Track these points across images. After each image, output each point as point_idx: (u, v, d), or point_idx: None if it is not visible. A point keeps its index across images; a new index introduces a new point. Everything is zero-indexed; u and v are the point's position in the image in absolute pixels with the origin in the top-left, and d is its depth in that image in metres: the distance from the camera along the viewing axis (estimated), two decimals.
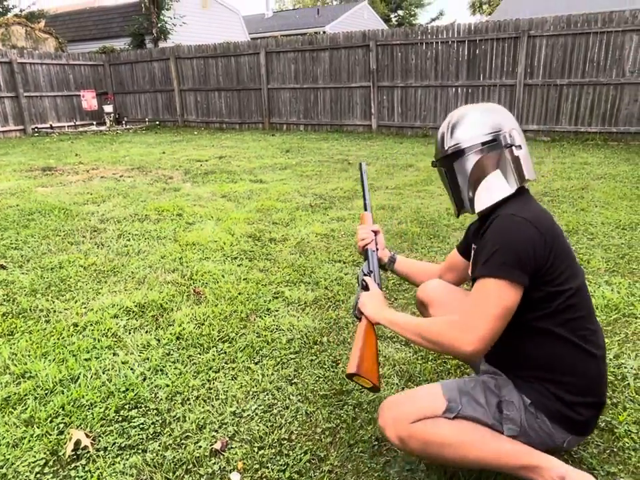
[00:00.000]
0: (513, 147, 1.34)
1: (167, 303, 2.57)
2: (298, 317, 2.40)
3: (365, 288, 1.56)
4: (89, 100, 12.78)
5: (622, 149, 7.44)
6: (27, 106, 11.79)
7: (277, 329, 2.29)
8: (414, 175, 5.80)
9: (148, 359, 2.06)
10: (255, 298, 2.61)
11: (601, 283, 2.72)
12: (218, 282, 2.83)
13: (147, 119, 13.16)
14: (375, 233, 1.74)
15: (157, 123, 12.99)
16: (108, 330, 2.31)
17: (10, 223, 4.05)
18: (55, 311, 2.51)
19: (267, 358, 2.05)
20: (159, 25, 13.74)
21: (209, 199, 4.86)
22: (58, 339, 2.23)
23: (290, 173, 6.11)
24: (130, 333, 2.28)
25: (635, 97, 7.77)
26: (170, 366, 2.00)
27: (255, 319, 2.39)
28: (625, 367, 1.94)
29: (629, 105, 7.82)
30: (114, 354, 2.11)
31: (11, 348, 2.15)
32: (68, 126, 12.61)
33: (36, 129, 11.93)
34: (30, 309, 2.53)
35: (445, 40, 8.90)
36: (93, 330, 2.30)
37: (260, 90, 11.22)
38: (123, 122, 13.29)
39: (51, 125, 12.26)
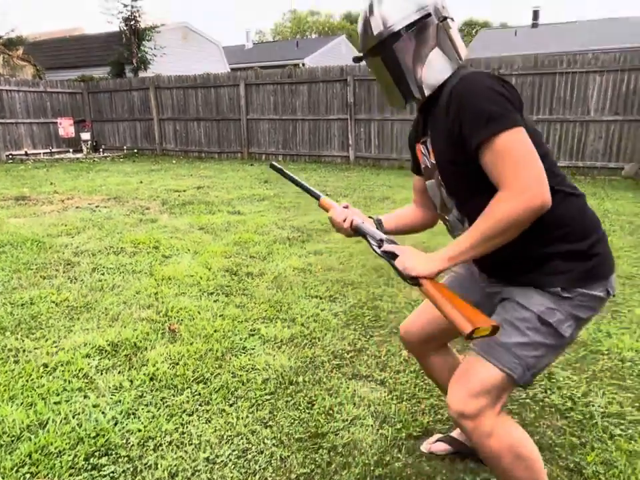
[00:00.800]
0: (448, 20, 1.26)
1: (141, 342, 2.53)
2: (274, 356, 2.39)
3: (393, 255, 1.35)
4: (65, 127, 12.71)
5: (589, 183, 7.74)
6: (1, 133, 11.66)
7: (252, 368, 2.28)
8: (390, 208, 5.91)
9: (120, 401, 2.02)
10: (230, 336, 2.60)
11: None
12: (194, 319, 2.81)
13: (124, 147, 13.13)
14: (346, 208, 1.53)
15: (135, 151, 12.96)
16: (79, 371, 2.26)
17: None
18: (24, 351, 2.45)
19: (242, 399, 2.04)
20: (139, 55, 13.86)
21: (186, 231, 4.85)
22: (27, 380, 2.17)
23: (268, 204, 6.15)
24: (102, 374, 2.24)
25: (599, 134, 8.13)
26: (142, 409, 1.97)
27: (230, 358, 2.37)
28: (593, 405, 1.99)
29: (594, 142, 8.18)
30: (85, 396, 2.06)
31: None
32: (43, 153, 12.48)
33: (10, 156, 11.77)
34: None
35: None
36: (63, 371, 2.25)
37: (239, 120, 11.35)
38: (101, 149, 13.22)
39: (26, 152, 12.12)
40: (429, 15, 1.25)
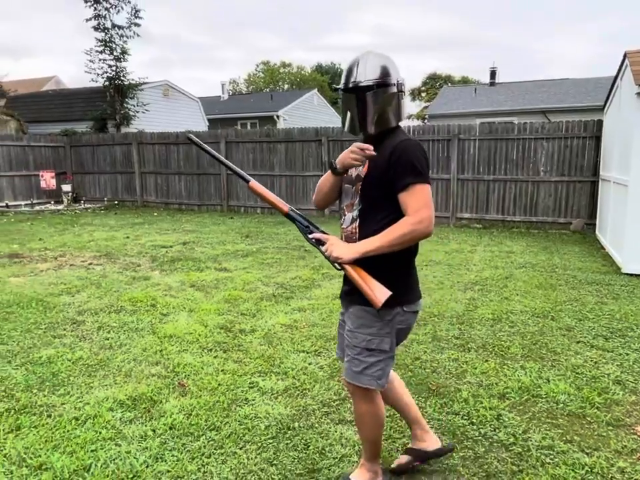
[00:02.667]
0: (402, 92, 1.87)
1: (156, 395, 2.94)
2: (272, 405, 2.84)
3: (320, 243, 1.90)
4: (47, 180, 13.05)
5: (541, 236, 8.56)
6: None
7: (255, 416, 2.72)
8: None
9: (147, 448, 2.43)
10: (233, 388, 3.04)
11: (517, 367, 3.35)
12: (199, 374, 3.24)
13: (105, 199, 13.50)
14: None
15: (116, 202, 13.35)
16: (106, 422, 2.65)
17: None
18: (53, 406, 2.83)
19: (250, 443, 2.48)
20: (122, 112, 14.48)
21: (179, 288, 5.28)
22: (63, 432, 2.55)
23: (252, 260, 6.64)
24: (127, 425, 2.64)
25: (549, 192, 9.06)
26: (168, 454, 2.38)
27: (235, 408, 2.81)
28: (530, 440, 2.51)
29: (545, 199, 9.09)
30: (116, 444, 2.46)
31: (22, 442, 2.45)
32: (24, 204, 12.73)
33: None
34: (30, 405, 2.83)
35: None
36: (93, 423, 2.64)
37: (219, 175, 11.96)
38: (82, 201, 13.55)
39: (6, 204, 12.35)
40: (392, 84, 1.85)
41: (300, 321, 4.28)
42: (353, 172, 1.94)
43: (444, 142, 9.68)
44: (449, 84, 41.23)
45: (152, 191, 13.01)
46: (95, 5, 13.82)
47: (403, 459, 2.25)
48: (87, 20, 14.01)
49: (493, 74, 26.36)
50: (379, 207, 1.83)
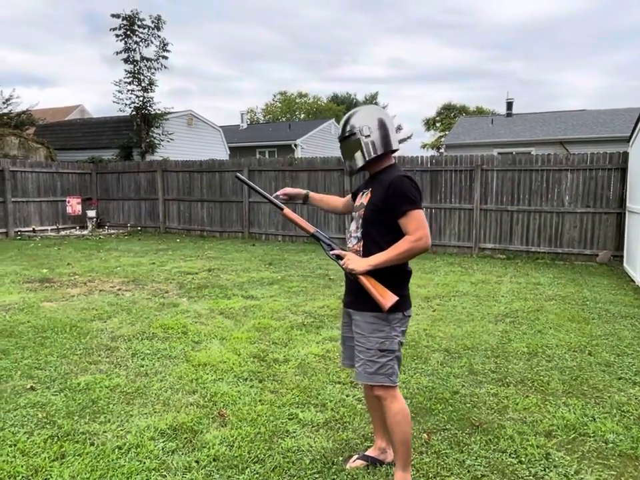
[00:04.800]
0: (364, 137, 2.27)
1: (196, 425, 2.93)
2: (314, 439, 2.81)
3: (339, 258, 2.29)
4: (73, 205, 13.34)
5: (567, 268, 8.46)
6: (12, 210, 12.22)
7: (298, 449, 2.69)
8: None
9: (193, 479, 2.40)
10: (273, 419, 3.01)
11: (560, 404, 3.28)
12: (236, 404, 3.22)
13: (128, 225, 13.73)
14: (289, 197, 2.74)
15: (139, 228, 13.56)
16: (150, 452, 2.64)
17: (26, 341, 4.35)
18: (95, 434, 2.83)
19: (296, 478, 2.44)
20: (148, 140, 14.86)
21: (208, 316, 5.30)
22: (108, 461, 2.55)
23: (278, 288, 6.66)
24: (170, 455, 2.62)
25: (574, 224, 8.99)
26: None
27: (277, 440, 2.78)
28: None
29: (570, 230, 9.02)
30: (162, 475, 2.44)
31: (68, 470, 2.45)
32: (51, 229, 12.99)
33: (19, 232, 12.24)
34: (73, 432, 2.84)
35: (411, 169, 10.17)
36: (136, 452, 2.63)
37: (241, 202, 12.12)
38: (106, 226, 13.79)
39: (33, 229, 12.63)
40: (354, 133, 2.30)
41: (332, 351, 4.25)
42: (358, 201, 2.39)
43: (466, 172, 9.72)
44: (464, 114, 41.65)
45: (174, 217, 13.21)
46: (125, 39, 14.38)
47: (358, 462, 2.54)
48: (117, 53, 14.57)
49: (509, 105, 26.58)
50: (379, 229, 2.21)
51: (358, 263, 2.19)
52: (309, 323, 5.09)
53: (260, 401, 3.28)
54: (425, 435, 2.84)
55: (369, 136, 2.27)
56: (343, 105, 49.28)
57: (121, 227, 13.85)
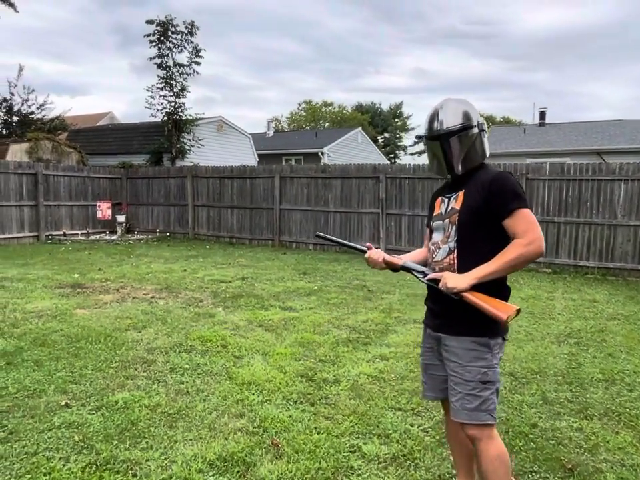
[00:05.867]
0: (483, 132, 2.00)
1: (248, 457, 2.61)
2: (384, 478, 2.45)
3: (436, 282, 1.96)
4: (104, 210, 13.31)
5: (621, 284, 7.91)
6: (44, 214, 12.22)
7: None
8: None
9: None
10: (333, 452, 2.67)
11: None
12: (290, 431, 2.89)
13: (157, 230, 13.62)
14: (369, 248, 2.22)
15: (168, 234, 13.44)
16: None
17: (60, 351, 4.11)
18: (137, 463, 2.53)
19: None
20: (178, 146, 14.80)
21: (247, 328, 5.00)
22: None
23: (316, 300, 6.33)
24: None
25: (627, 237, 8.44)
26: None
27: (342, 479, 2.43)
28: None
29: (623, 244, 8.47)
30: None
31: None
32: (81, 233, 12.97)
33: (50, 236, 12.24)
34: (112, 460, 2.54)
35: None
36: None
37: (272, 210, 11.87)
38: (135, 232, 13.72)
39: (64, 233, 12.61)
40: (473, 126, 1.98)
41: (386, 371, 3.89)
42: (442, 209, 2.06)
43: None
44: (491, 124, 41.02)
45: (204, 223, 13.04)
46: (159, 45, 14.39)
47: None
48: (151, 59, 14.59)
49: (542, 114, 25.90)
50: (477, 236, 1.91)
51: (459, 280, 1.86)
52: (355, 338, 4.74)
53: (315, 428, 2.94)
54: (512, 479, 2.45)
55: (484, 131, 2.00)
56: (367, 114, 49.06)
57: (150, 232, 13.75)
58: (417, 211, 10.16)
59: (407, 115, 51.56)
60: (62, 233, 12.61)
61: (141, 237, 13.28)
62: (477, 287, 1.85)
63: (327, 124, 50.09)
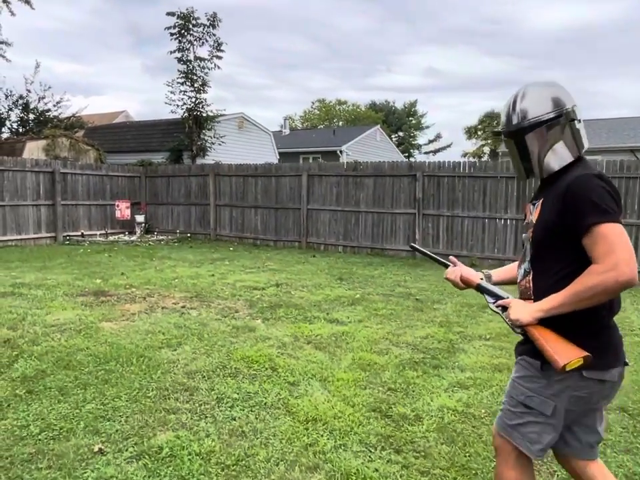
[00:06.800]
0: (575, 121, 1.60)
1: None
2: None
3: (505, 309, 1.69)
4: (122, 210, 12.82)
5: None
6: (61, 214, 11.76)
7: None
8: (499, 319, 5.42)
9: None
10: None
11: None
12: None
13: (178, 231, 13.11)
14: (454, 263, 1.98)
15: (188, 235, 12.91)
16: None
17: (87, 376, 3.54)
18: None
19: None
20: (199, 143, 14.26)
21: (294, 345, 4.41)
22: None
23: (362, 310, 5.71)
24: None
25: None
26: None
27: None
28: None
29: None
30: None
31: None
32: (99, 234, 12.50)
33: (67, 237, 11.77)
34: None
35: (494, 175, 9.09)
36: None
37: (299, 210, 11.28)
38: (155, 232, 13.22)
39: (82, 233, 12.15)
40: (560, 115, 1.60)
41: (472, 405, 3.27)
42: (528, 218, 1.75)
43: None
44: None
45: (226, 224, 12.49)
46: (179, 38, 13.86)
47: None
48: (171, 52, 14.06)
49: None
50: (553, 256, 1.60)
51: (523, 311, 1.61)
52: (420, 359, 4.12)
53: None
54: None
55: (579, 121, 1.63)
56: (381, 112, 48.38)
57: (170, 233, 13.24)
58: (456, 211, 9.50)
59: (422, 114, 50.68)
60: (80, 233, 12.15)
61: (161, 237, 12.76)
62: (561, 322, 1.55)
63: (340, 122, 49.45)
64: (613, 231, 1.45)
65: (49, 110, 17.99)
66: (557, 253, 1.59)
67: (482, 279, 1.88)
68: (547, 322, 1.57)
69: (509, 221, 9.01)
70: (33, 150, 13.51)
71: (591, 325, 1.57)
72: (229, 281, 7.19)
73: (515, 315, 1.61)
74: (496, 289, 1.80)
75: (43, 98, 17.89)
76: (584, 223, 1.47)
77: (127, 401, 3.20)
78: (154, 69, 64.59)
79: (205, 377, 3.64)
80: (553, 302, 1.54)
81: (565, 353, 1.51)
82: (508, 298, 1.72)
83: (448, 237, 9.63)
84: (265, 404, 3.22)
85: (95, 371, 3.63)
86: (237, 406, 3.18)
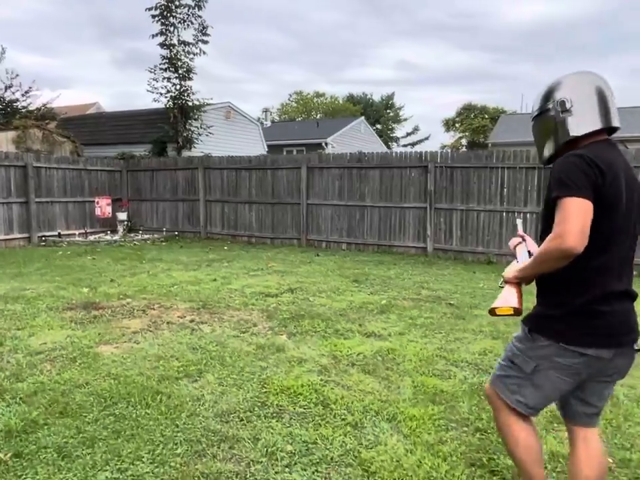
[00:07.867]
0: (566, 112, 1.73)
1: None
2: None
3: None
4: (103, 207, 11.82)
5: None
6: (35, 212, 10.70)
7: None
8: None
9: None
10: None
11: None
12: None
13: (164, 229, 12.16)
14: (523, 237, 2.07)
15: (176, 233, 11.99)
16: None
17: (93, 425, 2.74)
18: None
19: None
20: (185, 134, 13.29)
21: (337, 369, 3.68)
22: None
23: (397, 320, 5.02)
24: None
25: None
26: None
27: None
28: None
29: None
30: None
31: None
32: (78, 234, 11.47)
33: (43, 237, 10.73)
34: None
35: (512, 166, 8.49)
36: None
37: (298, 205, 10.50)
38: (139, 231, 12.25)
39: (59, 234, 11.11)
40: (549, 108, 1.78)
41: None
42: None
43: None
44: (485, 115, 40.08)
45: (217, 221, 11.62)
46: (162, 20, 12.81)
47: None
48: (153, 36, 12.99)
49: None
50: (549, 230, 1.66)
51: (509, 270, 1.90)
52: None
53: None
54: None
55: (567, 111, 1.72)
56: (359, 105, 47.83)
57: (156, 231, 12.27)
58: (471, 205, 8.88)
59: (399, 106, 50.24)
60: (57, 233, 11.10)
61: (146, 236, 11.81)
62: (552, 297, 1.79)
63: (319, 115, 48.64)
64: (569, 204, 1.57)
65: (16, 100, 16.69)
66: (547, 230, 1.68)
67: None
68: (543, 292, 1.81)
69: (528, 214, 8.44)
70: (2, 142, 12.34)
71: (577, 299, 1.68)
72: (235, 287, 6.39)
73: (505, 271, 1.90)
74: (522, 257, 1.96)
75: (10, 87, 16.59)
76: (552, 196, 1.64)
77: (149, 462, 2.42)
78: (124, 62, 62.32)
79: (242, 419, 2.88)
80: (523, 265, 1.82)
81: (503, 302, 1.82)
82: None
83: (462, 232, 9.01)
84: (332, 459, 2.50)
85: (101, 418, 2.83)
86: (296, 463, 2.45)
